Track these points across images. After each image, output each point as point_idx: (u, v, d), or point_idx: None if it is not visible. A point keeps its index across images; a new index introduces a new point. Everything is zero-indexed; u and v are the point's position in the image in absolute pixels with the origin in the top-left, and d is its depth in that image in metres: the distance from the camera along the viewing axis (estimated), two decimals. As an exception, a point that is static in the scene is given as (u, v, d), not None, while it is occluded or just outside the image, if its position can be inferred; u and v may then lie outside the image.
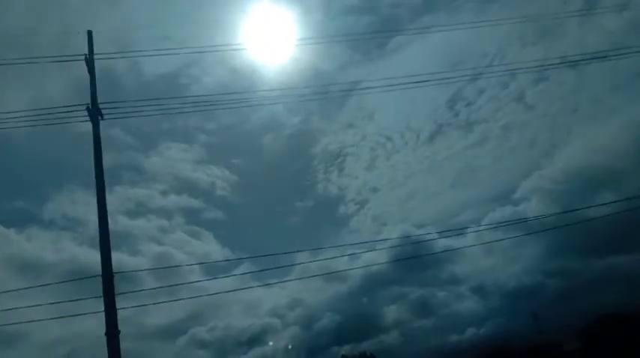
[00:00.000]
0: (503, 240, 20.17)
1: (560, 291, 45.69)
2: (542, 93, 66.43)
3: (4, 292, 12.41)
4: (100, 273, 10.67)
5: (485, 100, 68.72)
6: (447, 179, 75.68)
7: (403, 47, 69.14)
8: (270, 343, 46.50)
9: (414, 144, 73.14)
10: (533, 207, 53.52)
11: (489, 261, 56.48)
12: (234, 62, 67.12)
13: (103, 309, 10.21)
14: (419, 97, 72.47)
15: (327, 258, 16.80)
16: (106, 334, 10.15)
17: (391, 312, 53.07)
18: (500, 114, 68.24)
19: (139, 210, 69.79)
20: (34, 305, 12.06)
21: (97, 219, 11.32)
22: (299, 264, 18.94)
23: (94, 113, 12.39)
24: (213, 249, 67.64)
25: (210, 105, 15.13)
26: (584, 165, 54.04)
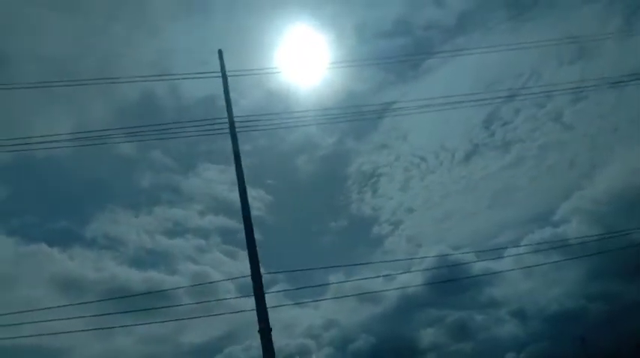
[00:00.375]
0: (544, 264, 19.65)
1: (603, 315, 43.70)
2: (581, 113, 64.69)
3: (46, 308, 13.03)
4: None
5: (522, 120, 67.53)
6: (484, 199, 73.99)
7: (436, 68, 69.09)
8: None
9: (448, 164, 72.32)
10: (573, 229, 51.56)
11: (529, 284, 54.50)
12: (270, 85, 68.45)
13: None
14: (453, 117, 71.68)
15: (361, 278, 16.69)
16: (259, 331, 10.96)
17: (427, 335, 51.89)
18: (537, 134, 66.79)
19: (176, 230, 71.70)
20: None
21: (243, 223, 12.80)
22: (332, 283, 18.92)
23: (232, 128, 13.47)
24: (248, 268, 67.50)
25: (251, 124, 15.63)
26: (625, 186, 52.27)
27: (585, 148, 65.19)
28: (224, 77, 14.07)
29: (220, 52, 14.75)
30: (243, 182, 12.90)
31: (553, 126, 65.92)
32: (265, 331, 10.92)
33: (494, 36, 65.60)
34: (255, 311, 11.47)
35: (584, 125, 66.67)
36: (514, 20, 68.60)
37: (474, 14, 78.77)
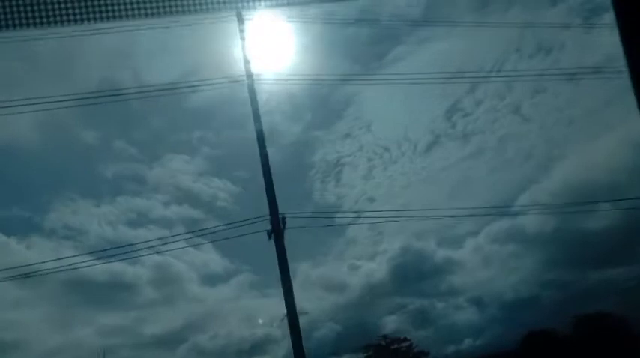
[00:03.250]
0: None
1: (555, 302, 44.56)
2: (538, 106, 66.38)
3: None
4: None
5: (483, 111, 68.82)
6: (444, 190, 75.56)
7: (401, 59, 69.95)
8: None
9: (411, 154, 73.22)
10: (531, 220, 52.93)
11: (487, 273, 56.28)
12: (234, 72, 67.67)
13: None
14: (416, 108, 72.80)
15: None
16: None
17: (391, 322, 53.09)
18: (496, 125, 68.14)
19: (140, 220, 70.67)
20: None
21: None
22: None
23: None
24: (212, 258, 67.94)
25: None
26: (581, 179, 54.14)
27: (542, 140, 66.90)
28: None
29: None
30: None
31: (512, 118, 67.14)
32: None
33: (459, 27, 66.61)
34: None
35: (542, 117, 68.20)
36: (479, 13, 69.72)
37: (441, 5, 79.75)
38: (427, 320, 52.24)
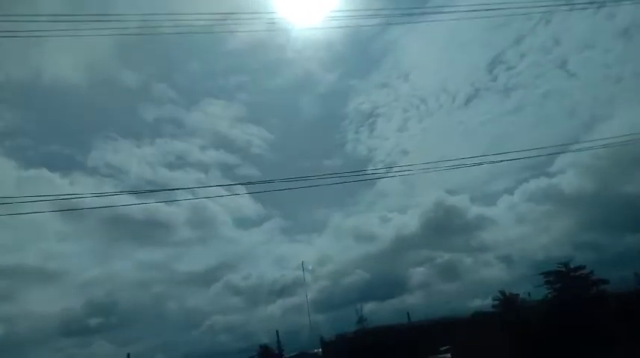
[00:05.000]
0: None
1: (588, 265, 43.66)
2: (586, 62, 64.00)
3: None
4: None
5: (526, 65, 67.13)
6: (481, 145, 74.40)
7: (445, 6, 67.93)
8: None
9: (448, 107, 72.19)
10: (568, 181, 51.90)
11: (519, 231, 56.33)
12: (271, 17, 64.94)
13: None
14: (457, 59, 71.32)
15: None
16: None
17: (418, 274, 53.77)
18: (540, 80, 65.89)
19: (177, 163, 70.96)
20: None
21: None
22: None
23: None
24: (246, 203, 68.46)
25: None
26: (625, 140, 53.55)
27: (588, 98, 64.84)
28: None
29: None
30: None
31: (557, 74, 65.12)
32: None
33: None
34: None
35: (589, 74, 65.14)
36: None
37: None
38: (454, 274, 53.10)
